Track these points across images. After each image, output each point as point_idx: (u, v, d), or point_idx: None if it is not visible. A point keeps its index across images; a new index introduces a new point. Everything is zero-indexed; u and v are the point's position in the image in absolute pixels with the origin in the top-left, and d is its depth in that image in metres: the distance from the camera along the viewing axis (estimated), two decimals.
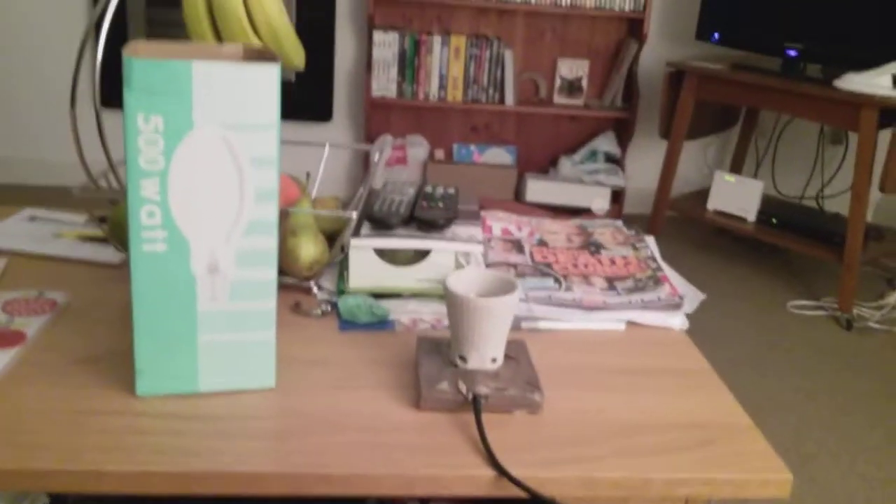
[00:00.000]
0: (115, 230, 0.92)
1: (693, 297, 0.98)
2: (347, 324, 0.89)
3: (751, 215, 3.00)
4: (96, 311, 0.87)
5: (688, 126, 3.12)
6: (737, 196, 3.03)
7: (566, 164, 3.47)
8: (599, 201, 3.42)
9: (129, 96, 0.63)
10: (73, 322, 0.84)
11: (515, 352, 0.80)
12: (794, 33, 2.89)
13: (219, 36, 0.86)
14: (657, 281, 1.00)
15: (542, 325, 0.92)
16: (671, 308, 0.95)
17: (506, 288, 0.77)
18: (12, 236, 1.02)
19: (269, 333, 0.74)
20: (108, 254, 1.00)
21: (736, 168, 3.51)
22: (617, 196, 3.46)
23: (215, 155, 0.67)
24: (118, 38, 3.26)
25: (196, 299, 0.70)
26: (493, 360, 0.76)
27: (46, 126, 3.43)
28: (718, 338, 2.54)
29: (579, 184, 3.41)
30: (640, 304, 0.95)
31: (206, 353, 0.72)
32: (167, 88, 0.64)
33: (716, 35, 3.09)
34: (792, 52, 2.90)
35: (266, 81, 0.66)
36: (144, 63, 0.63)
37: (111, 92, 3.30)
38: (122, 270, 0.98)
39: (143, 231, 0.67)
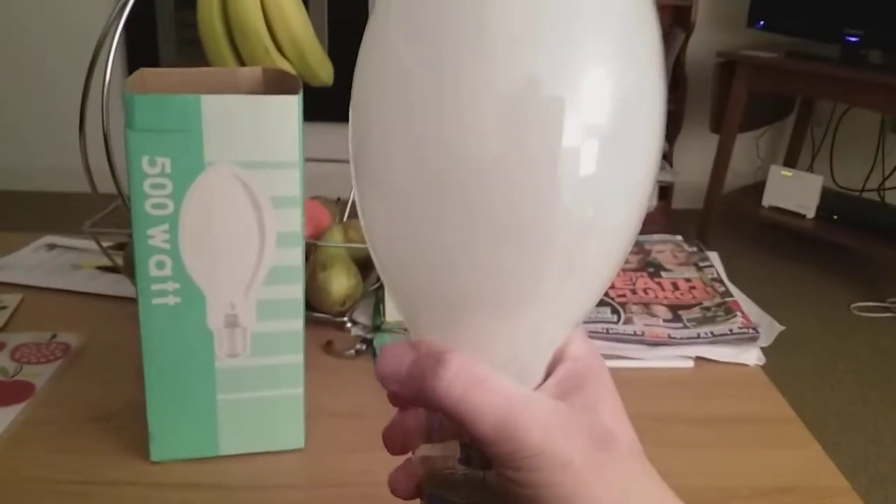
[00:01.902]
0: (131, 265, 0.85)
1: (769, 327, 0.88)
2: None
3: (810, 212, 2.85)
4: (112, 356, 0.80)
5: (741, 118, 2.98)
6: (795, 191, 2.89)
7: None
8: None
9: (131, 137, 0.56)
10: (87, 369, 0.78)
11: None
12: (854, 18, 2.74)
13: (239, 55, 0.78)
14: (728, 310, 0.90)
15: None
16: (745, 342, 0.85)
17: None
18: (29, 269, 0.96)
19: (297, 390, 0.66)
20: (127, 286, 0.93)
21: (791, 159, 3.36)
22: (665, 191, 3.34)
23: (230, 197, 0.59)
24: (148, 42, 3.22)
25: (214, 355, 0.63)
26: None
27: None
28: (778, 344, 2.41)
29: None
30: (710, 338, 0.85)
31: (225, 412, 0.64)
32: (174, 126, 0.56)
33: (762, 22, 2.94)
34: (852, 38, 2.75)
35: (285, 113, 0.58)
36: (147, 99, 0.55)
37: None
38: None
39: (153, 283, 0.60)
